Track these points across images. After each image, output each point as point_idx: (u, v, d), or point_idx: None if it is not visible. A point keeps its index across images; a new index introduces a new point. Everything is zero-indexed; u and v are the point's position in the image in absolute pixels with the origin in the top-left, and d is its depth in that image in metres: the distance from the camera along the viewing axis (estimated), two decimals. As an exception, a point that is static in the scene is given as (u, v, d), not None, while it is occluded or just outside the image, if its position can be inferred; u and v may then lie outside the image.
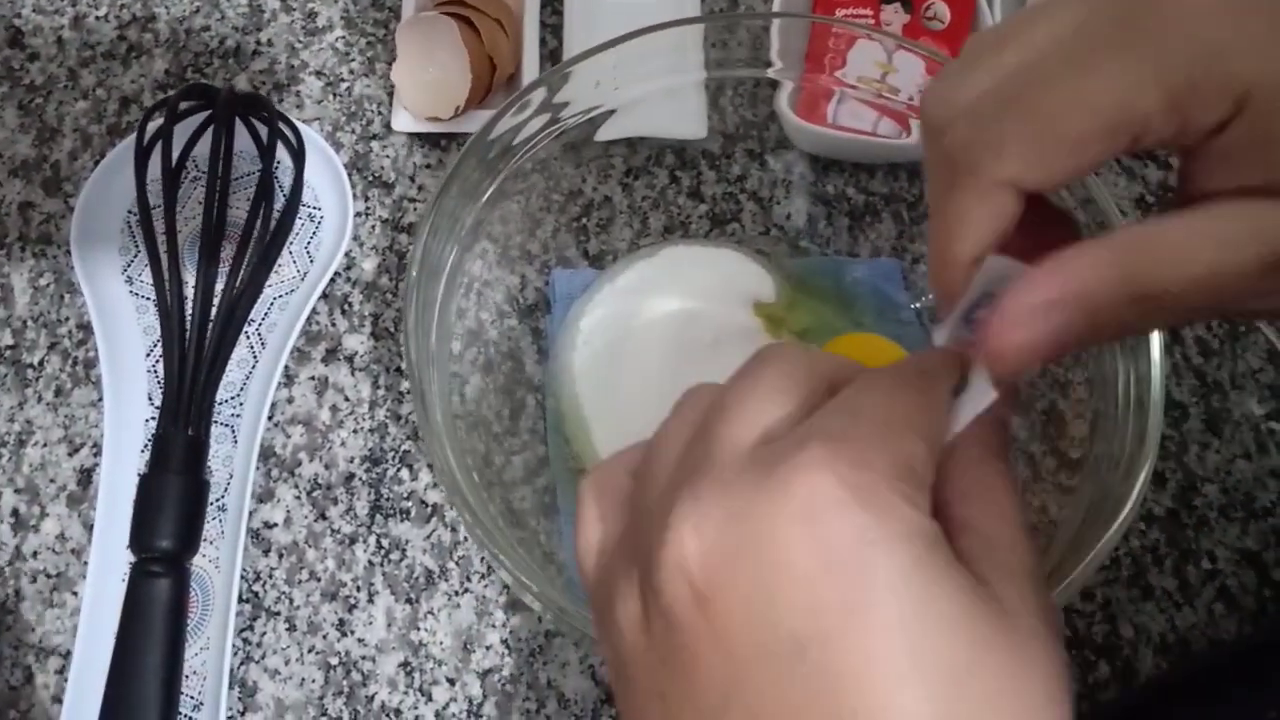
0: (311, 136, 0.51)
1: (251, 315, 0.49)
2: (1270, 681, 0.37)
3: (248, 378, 0.49)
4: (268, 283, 0.50)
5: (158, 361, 0.48)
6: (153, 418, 0.47)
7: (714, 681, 0.21)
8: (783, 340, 0.47)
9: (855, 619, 0.20)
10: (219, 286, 0.48)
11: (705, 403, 0.25)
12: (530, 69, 0.54)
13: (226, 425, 0.48)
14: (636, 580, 0.23)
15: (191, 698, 0.43)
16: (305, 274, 0.51)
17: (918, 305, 0.49)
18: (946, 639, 0.20)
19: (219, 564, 0.45)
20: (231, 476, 0.47)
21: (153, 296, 0.48)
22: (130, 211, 0.52)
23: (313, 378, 0.49)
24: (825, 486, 0.21)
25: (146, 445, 0.47)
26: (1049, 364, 0.26)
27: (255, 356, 0.49)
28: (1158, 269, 0.22)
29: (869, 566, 0.20)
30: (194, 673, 0.43)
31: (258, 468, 0.47)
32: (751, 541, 0.21)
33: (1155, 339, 0.39)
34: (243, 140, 0.50)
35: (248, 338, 0.49)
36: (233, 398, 0.48)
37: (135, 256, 0.51)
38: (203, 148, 0.50)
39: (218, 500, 0.46)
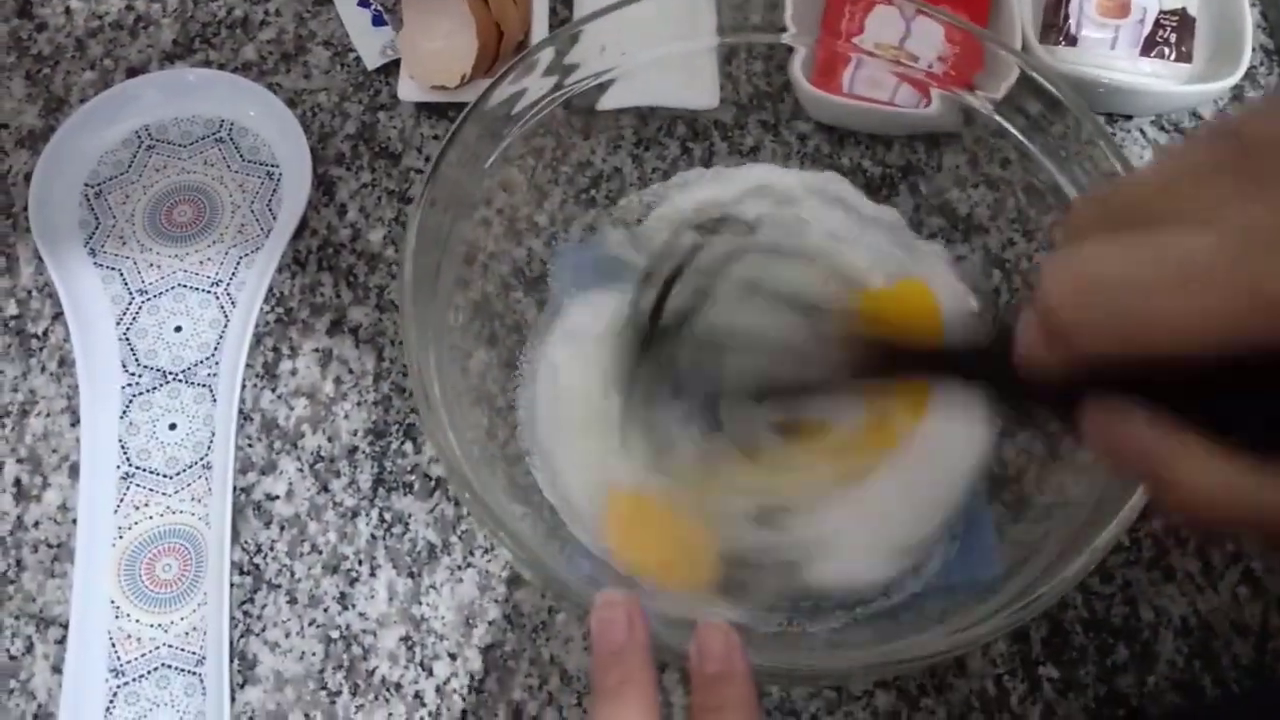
0: (258, 91, 0.52)
1: (220, 275, 0.50)
2: None
3: (221, 337, 0.49)
4: (232, 242, 0.51)
5: (128, 329, 0.49)
6: (128, 384, 0.47)
7: None
8: None
9: None
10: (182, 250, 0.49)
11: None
12: (539, 37, 0.53)
13: (204, 385, 0.47)
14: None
15: (194, 653, 0.43)
16: (269, 230, 0.51)
17: None
18: None
19: (209, 521, 0.45)
20: (214, 435, 0.46)
21: (117, 266, 0.49)
22: (86, 184, 0.52)
23: (317, 349, 0.49)
24: None
25: (123, 412, 0.47)
26: None
27: (226, 316, 0.49)
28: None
29: None
30: (194, 629, 0.43)
31: (260, 439, 0.46)
32: None
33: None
34: (202, 104, 0.52)
35: (217, 298, 0.49)
36: (207, 358, 0.48)
37: (96, 229, 0.51)
38: (160, 115, 0.52)
39: (203, 459, 0.46)
